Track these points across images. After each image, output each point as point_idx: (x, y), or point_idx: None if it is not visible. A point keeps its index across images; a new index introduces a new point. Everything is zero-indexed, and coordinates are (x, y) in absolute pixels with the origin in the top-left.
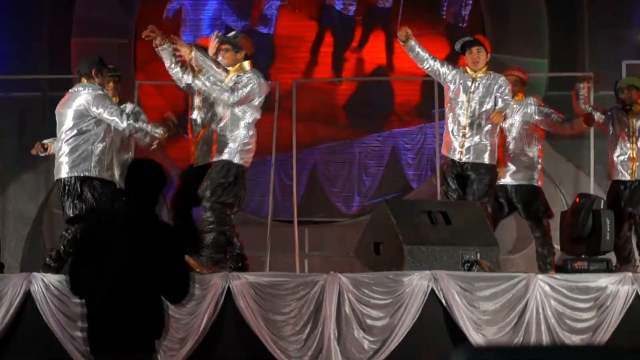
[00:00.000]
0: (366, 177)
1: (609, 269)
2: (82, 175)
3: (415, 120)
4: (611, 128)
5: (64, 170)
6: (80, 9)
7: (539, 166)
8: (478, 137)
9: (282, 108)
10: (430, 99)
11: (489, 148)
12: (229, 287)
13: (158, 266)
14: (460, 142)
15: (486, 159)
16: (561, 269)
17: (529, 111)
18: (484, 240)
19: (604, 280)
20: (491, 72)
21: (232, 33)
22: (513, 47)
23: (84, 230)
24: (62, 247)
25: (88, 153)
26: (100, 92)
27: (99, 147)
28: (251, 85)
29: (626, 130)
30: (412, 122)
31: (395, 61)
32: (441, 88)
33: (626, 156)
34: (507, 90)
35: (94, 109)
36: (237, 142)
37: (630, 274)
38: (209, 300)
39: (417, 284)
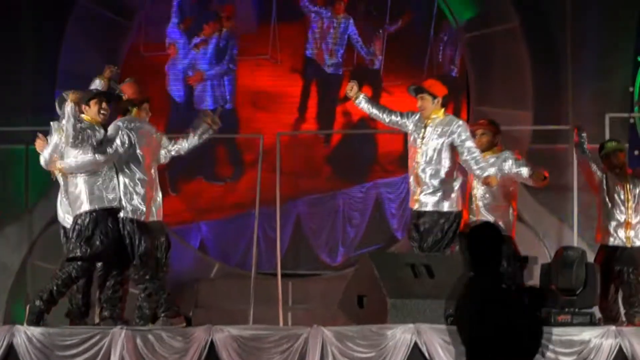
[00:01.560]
0: (350, 228)
1: (592, 323)
2: None
3: (399, 170)
4: (605, 189)
5: None
6: (64, 60)
7: (512, 218)
8: (434, 183)
9: (264, 161)
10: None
11: (447, 194)
12: (212, 340)
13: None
14: (416, 190)
15: (445, 206)
16: (544, 322)
17: (505, 165)
18: None
19: (588, 334)
20: (449, 115)
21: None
22: (496, 100)
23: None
24: (54, 287)
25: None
26: None
27: None
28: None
29: (620, 194)
30: (395, 172)
31: None
32: None
33: (620, 222)
34: (464, 136)
35: None
36: None
37: (613, 327)
38: (192, 353)
39: (400, 337)
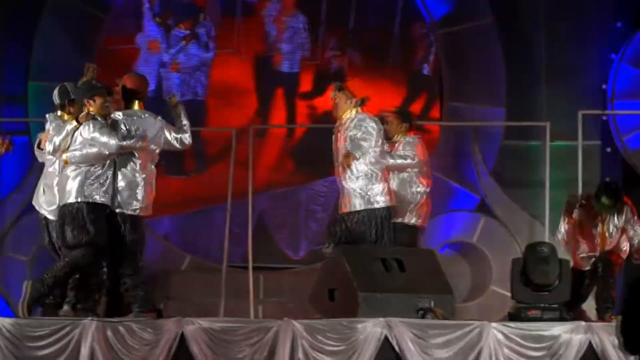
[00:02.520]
0: (313, 222)
1: (562, 318)
2: None
3: None
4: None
5: None
6: (37, 56)
7: (420, 205)
8: (348, 183)
9: (228, 155)
10: None
11: (358, 193)
12: (182, 333)
13: None
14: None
15: (357, 205)
16: (515, 317)
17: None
18: (439, 288)
19: (558, 329)
20: (361, 113)
21: None
22: (470, 96)
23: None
24: (61, 274)
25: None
26: None
27: None
28: None
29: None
30: None
31: None
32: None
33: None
34: (353, 128)
35: None
36: None
37: (583, 322)
38: (162, 345)
39: (370, 331)
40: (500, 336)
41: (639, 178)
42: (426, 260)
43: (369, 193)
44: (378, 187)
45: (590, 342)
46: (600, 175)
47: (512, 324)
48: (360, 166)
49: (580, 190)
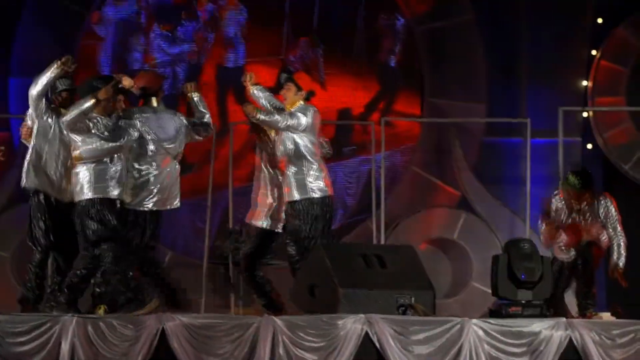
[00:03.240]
0: None
1: (542, 314)
2: None
3: (326, 159)
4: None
5: None
6: (18, 49)
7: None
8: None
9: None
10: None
11: (292, 181)
12: (163, 328)
13: None
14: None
15: (295, 195)
16: (495, 313)
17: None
18: (419, 284)
19: (538, 325)
20: (305, 105)
21: None
22: (450, 92)
23: None
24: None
25: None
26: None
27: None
28: None
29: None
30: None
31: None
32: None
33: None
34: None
35: None
36: None
37: (564, 319)
38: (143, 341)
39: (351, 327)
40: (480, 332)
41: (619, 174)
42: (407, 257)
43: (306, 183)
44: (315, 177)
45: (570, 339)
46: None
47: (492, 320)
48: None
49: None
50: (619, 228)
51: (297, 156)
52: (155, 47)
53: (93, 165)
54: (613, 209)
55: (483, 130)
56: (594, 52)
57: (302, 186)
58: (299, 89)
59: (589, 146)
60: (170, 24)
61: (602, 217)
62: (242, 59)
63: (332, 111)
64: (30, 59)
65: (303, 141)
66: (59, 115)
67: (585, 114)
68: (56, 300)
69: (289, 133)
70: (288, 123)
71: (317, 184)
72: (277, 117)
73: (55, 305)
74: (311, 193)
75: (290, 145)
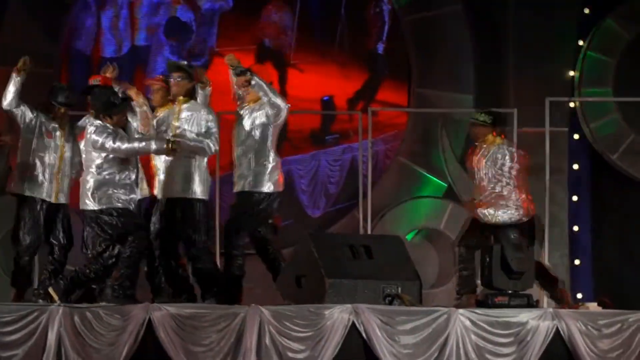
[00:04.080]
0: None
1: (529, 305)
2: None
3: (308, 147)
4: None
5: None
6: (4, 37)
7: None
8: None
9: None
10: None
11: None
12: (150, 318)
13: None
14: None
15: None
16: (482, 303)
17: None
18: (406, 274)
19: (525, 316)
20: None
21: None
22: (438, 82)
23: None
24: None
25: None
26: None
27: None
28: None
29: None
30: (305, 149)
31: (289, 91)
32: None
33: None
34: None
35: None
36: None
37: (550, 309)
38: (129, 330)
39: (338, 317)
40: (467, 323)
41: (607, 165)
42: (393, 247)
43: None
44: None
45: (557, 329)
46: (568, 161)
47: (479, 311)
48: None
49: (547, 177)
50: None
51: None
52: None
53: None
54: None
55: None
56: (581, 43)
57: None
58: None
59: (576, 136)
60: None
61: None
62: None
63: (316, 100)
64: (14, 48)
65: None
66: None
67: (572, 104)
68: (45, 289)
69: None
70: (278, 99)
71: None
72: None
73: (42, 294)
74: None
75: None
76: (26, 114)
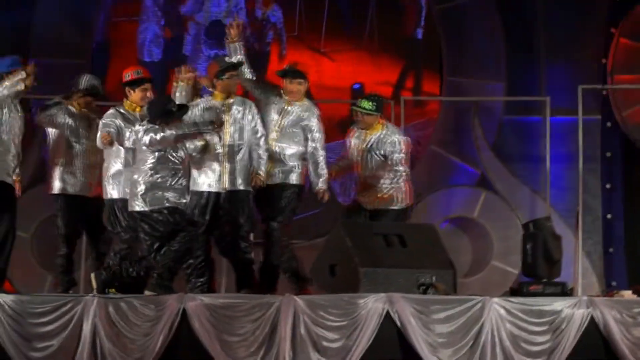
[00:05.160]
0: None
1: (564, 293)
2: None
3: (338, 135)
4: None
5: None
6: (37, 30)
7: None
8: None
9: None
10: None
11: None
12: (184, 309)
13: None
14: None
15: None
16: (516, 292)
17: None
18: (440, 262)
19: (560, 304)
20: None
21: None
22: (469, 71)
23: None
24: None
25: None
26: None
27: None
28: None
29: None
30: (335, 137)
31: (319, 79)
32: None
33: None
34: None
35: None
36: None
37: (585, 297)
38: (164, 321)
39: (372, 306)
40: (502, 311)
41: (639, 152)
42: (427, 236)
43: None
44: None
45: (592, 317)
46: (601, 149)
47: (513, 299)
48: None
49: (580, 165)
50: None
51: None
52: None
53: None
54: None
55: (502, 109)
56: (613, 30)
57: None
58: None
59: (609, 124)
60: None
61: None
62: None
63: (346, 88)
64: (47, 40)
65: None
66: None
67: (604, 92)
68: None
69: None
70: None
71: None
72: None
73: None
74: None
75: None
76: (57, 117)
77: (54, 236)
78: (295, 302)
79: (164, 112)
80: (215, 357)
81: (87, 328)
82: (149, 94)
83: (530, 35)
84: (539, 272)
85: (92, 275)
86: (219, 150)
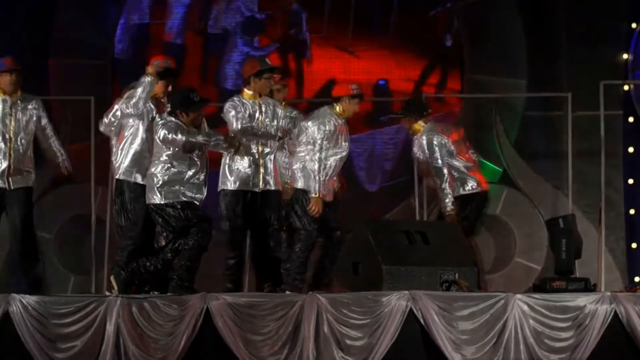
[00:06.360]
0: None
1: (587, 289)
2: None
3: (365, 128)
4: None
5: None
6: (58, 30)
7: None
8: None
9: None
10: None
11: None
12: (207, 308)
13: None
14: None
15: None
16: (539, 288)
17: None
18: (463, 260)
19: (583, 300)
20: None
21: None
22: (490, 68)
23: None
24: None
25: None
26: None
27: None
28: None
29: None
30: (362, 129)
31: (345, 76)
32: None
33: None
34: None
35: None
36: None
37: (608, 293)
38: (187, 320)
39: (395, 304)
40: (525, 307)
41: None
42: (450, 233)
43: None
44: None
45: (615, 312)
46: (623, 145)
47: (537, 295)
48: None
49: (603, 161)
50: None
51: None
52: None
53: None
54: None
55: (524, 105)
56: (634, 25)
57: None
58: None
59: (631, 119)
60: None
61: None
62: None
63: (369, 85)
64: (68, 41)
65: None
66: None
67: (626, 87)
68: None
69: None
70: None
71: None
72: None
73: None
74: None
75: None
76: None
77: (77, 237)
78: (318, 300)
79: (185, 100)
80: (239, 356)
81: (110, 328)
82: (170, 88)
83: (551, 31)
84: (573, 268)
85: (112, 276)
86: (254, 150)
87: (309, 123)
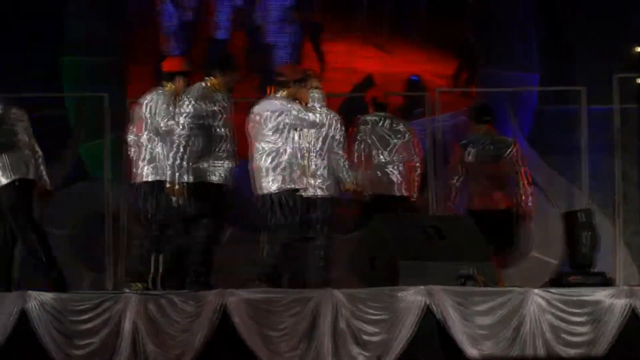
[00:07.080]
0: None
1: (604, 283)
2: None
3: None
4: None
5: None
6: (70, 27)
7: None
8: None
9: None
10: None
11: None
12: (224, 304)
13: None
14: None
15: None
16: (557, 283)
17: None
18: (479, 254)
19: (600, 294)
20: None
21: None
22: (504, 62)
23: None
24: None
25: None
26: None
27: None
28: None
29: None
30: None
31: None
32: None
33: None
34: None
35: None
36: None
37: (626, 287)
38: (204, 317)
39: (412, 299)
40: (542, 302)
41: None
42: (466, 228)
43: None
44: None
45: (632, 307)
46: (638, 138)
47: (554, 290)
48: None
49: (618, 154)
50: None
51: None
52: None
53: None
54: None
55: (538, 100)
56: None
57: None
58: None
59: None
60: None
61: None
62: None
63: (399, 80)
64: (80, 38)
65: None
66: None
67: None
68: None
69: None
70: None
71: None
72: None
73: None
74: None
75: None
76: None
77: (91, 234)
78: (334, 296)
79: (223, 59)
80: (256, 352)
81: (127, 325)
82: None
83: (564, 24)
84: (594, 262)
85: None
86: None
87: None
